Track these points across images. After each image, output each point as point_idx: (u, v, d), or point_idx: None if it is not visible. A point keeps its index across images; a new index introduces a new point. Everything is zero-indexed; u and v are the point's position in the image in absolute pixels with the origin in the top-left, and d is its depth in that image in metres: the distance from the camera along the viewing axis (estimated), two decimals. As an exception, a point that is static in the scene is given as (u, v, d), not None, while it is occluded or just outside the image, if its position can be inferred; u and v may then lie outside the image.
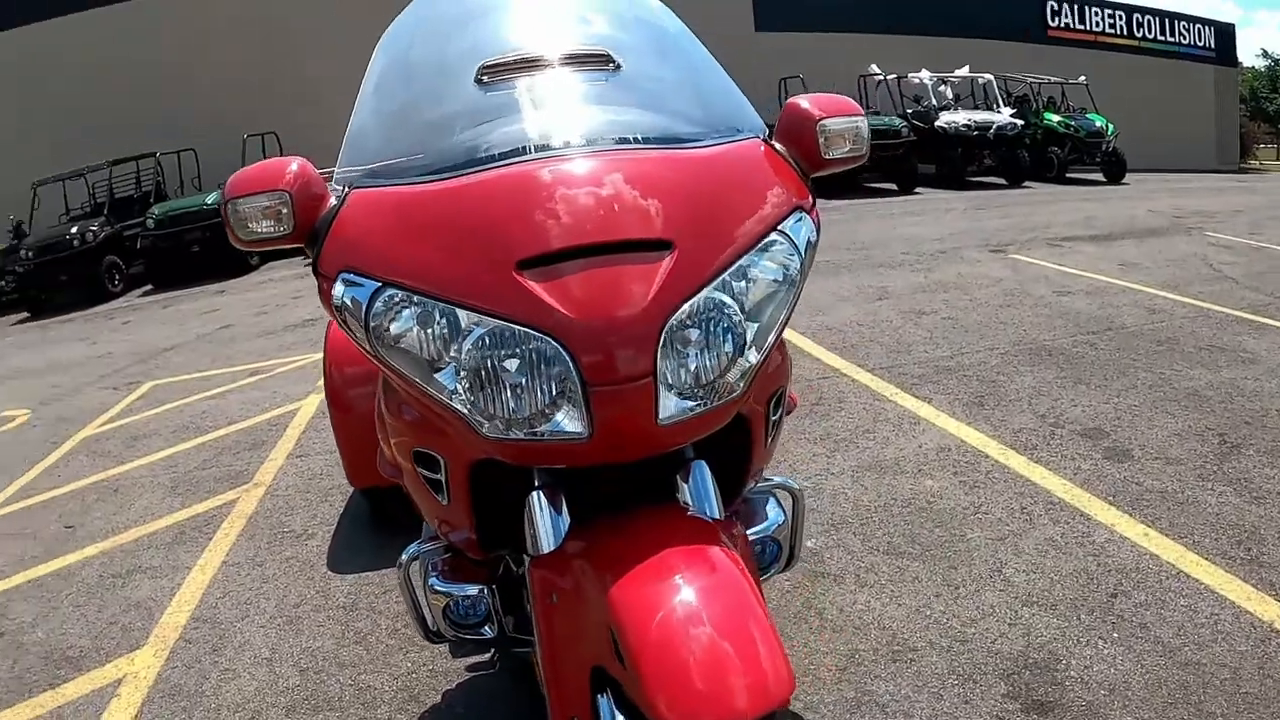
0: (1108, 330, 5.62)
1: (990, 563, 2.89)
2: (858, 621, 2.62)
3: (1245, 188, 17.19)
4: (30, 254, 13.38)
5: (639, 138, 1.59)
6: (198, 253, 13.57)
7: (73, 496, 4.55)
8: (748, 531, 1.62)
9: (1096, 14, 25.85)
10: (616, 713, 1.27)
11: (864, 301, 7.01)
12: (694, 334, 1.34)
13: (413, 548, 1.74)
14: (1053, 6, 25.22)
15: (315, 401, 5.57)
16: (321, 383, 3.49)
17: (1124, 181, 17.55)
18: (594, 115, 1.67)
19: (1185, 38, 27.43)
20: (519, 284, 1.30)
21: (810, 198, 1.58)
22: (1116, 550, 2.91)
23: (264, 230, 1.50)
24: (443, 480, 1.52)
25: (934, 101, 18.23)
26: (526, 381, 1.30)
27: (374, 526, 3.61)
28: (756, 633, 1.17)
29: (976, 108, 18.54)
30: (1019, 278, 7.53)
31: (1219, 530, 2.99)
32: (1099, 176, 18.10)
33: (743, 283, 1.39)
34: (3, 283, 14.77)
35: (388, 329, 1.35)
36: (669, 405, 1.33)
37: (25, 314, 13.77)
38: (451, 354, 1.33)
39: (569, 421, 1.32)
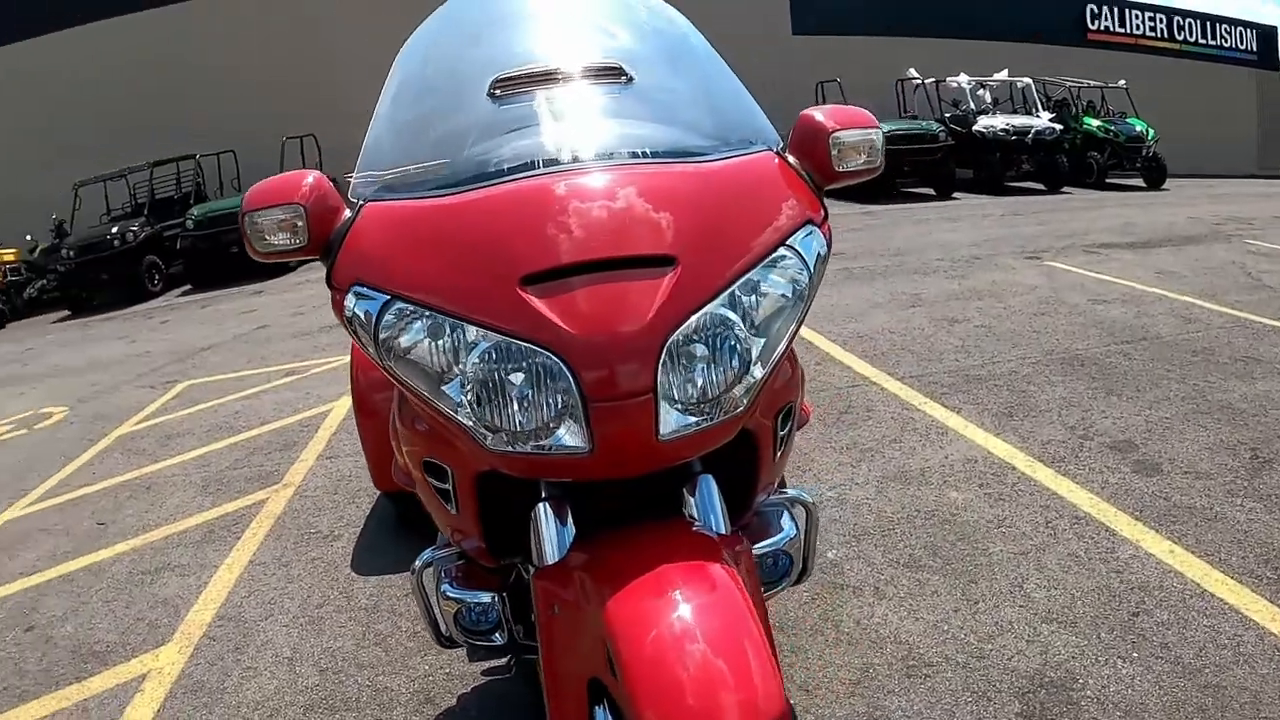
0: (1142, 340, 5.53)
1: (1011, 577, 2.86)
2: (874, 635, 2.61)
3: (1289, 194, 16.82)
4: (72, 253, 13.70)
5: (649, 151, 1.59)
6: (236, 253, 13.60)
7: (106, 494, 4.64)
8: (759, 544, 1.61)
9: (1137, 16, 25.54)
10: None
11: (897, 308, 6.97)
12: (698, 349, 1.34)
13: (427, 554, 1.76)
14: (1092, 9, 24.91)
15: (347, 403, 5.59)
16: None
17: (1164, 187, 17.23)
18: (604, 129, 1.68)
19: (1226, 40, 27.02)
20: (522, 299, 1.31)
21: (822, 211, 1.57)
22: (1141, 567, 2.86)
23: (280, 243, 1.53)
24: (451, 490, 1.53)
25: (972, 105, 18.04)
26: (531, 396, 1.31)
27: (398, 529, 3.65)
28: (750, 650, 1.17)
29: (1015, 112, 18.33)
30: (1054, 285, 7.43)
31: (1246, 548, 2.93)
32: (1139, 182, 17.79)
33: (750, 297, 1.39)
34: (45, 281, 15.17)
35: (397, 342, 1.38)
36: (670, 421, 1.33)
37: (66, 312, 14.10)
38: (458, 368, 1.35)
39: (570, 436, 1.33)
